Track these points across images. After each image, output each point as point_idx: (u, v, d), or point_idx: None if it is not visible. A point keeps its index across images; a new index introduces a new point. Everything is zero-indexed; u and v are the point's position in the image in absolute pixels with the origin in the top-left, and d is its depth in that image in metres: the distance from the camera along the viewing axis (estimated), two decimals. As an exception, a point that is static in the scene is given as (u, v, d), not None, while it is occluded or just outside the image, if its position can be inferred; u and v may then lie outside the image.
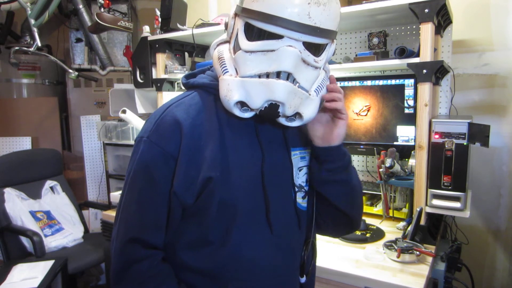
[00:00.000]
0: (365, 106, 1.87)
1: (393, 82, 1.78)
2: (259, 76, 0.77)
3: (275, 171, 0.87)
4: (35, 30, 2.67)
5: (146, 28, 2.35)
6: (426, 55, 1.43)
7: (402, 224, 1.60)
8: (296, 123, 0.82)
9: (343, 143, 0.90)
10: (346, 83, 1.91)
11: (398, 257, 1.29)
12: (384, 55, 1.74)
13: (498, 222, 1.98)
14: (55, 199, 2.56)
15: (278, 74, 0.75)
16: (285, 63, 0.74)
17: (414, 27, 1.84)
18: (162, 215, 0.81)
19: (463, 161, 1.39)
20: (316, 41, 0.76)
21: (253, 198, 0.84)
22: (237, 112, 0.79)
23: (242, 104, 0.79)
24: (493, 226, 2.00)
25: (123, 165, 2.75)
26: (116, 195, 1.99)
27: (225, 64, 0.81)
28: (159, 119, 0.81)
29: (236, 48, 0.80)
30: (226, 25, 0.84)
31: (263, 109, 0.78)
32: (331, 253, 1.41)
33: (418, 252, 1.31)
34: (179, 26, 2.17)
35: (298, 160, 0.93)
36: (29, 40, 3.31)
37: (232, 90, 0.77)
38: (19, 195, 2.35)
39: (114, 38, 3.51)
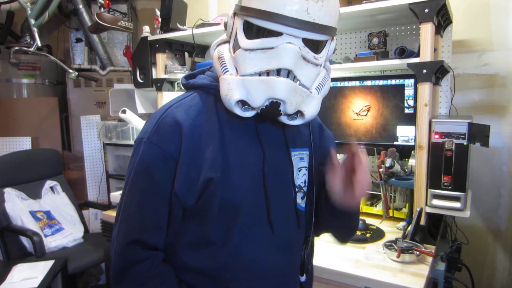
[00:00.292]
0: (365, 106, 1.87)
1: (393, 82, 1.78)
2: (259, 74, 0.77)
3: (276, 171, 0.87)
4: (35, 30, 2.67)
5: (146, 28, 2.35)
6: (426, 55, 1.43)
7: (402, 224, 1.60)
8: (297, 122, 0.82)
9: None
10: (346, 83, 1.91)
11: (398, 257, 1.29)
12: (384, 55, 1.74)
13: (498, 222, 1.98)
14: (55, 199, 2.56)
15: (278, 72, 0.75)
16: (285, 60, 0.74)
17: (414, 27, 1.84)
18: (163, 216, 0.81)
19: (463, 161, 1.39)
20: (315, 37, 0.76)
21: (254, 198, 0.84)
22: (238, 111, 0.79)
23: (243, 103, 0.78)
24: (493, 226, 2.00)
25: (123, 165, 2.75)
26: (116, 195, 1.99)
27: (225, 63, 0.81)
28: (159, 120, 0.80)
29: (236, 47, 0.80)
30: (226, 24, 0.85)
31: (264, 107, 0.78)
32: (331, 253, 1.40)
33: (418, 252, 1.31)
34: (179, 26, 2.17)
35: (298, 160, 0.93)
36: (29, 40, 3.31)
37: (233, 89, 0.77)
38: (19, 195, 2.35)
39: (114, 38, 3.51)
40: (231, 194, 0.81)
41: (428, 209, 1.47)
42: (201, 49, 2.47)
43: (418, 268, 1.27)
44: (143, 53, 2.30)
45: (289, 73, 0.76)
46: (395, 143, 1.79)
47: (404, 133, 1.78)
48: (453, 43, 1.79)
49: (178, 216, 0.82)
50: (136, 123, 2.19)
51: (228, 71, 0.79)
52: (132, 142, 2.49)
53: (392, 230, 1.61)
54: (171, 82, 2.30)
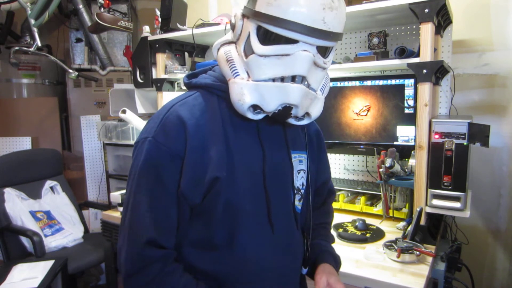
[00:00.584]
0: (365, 106, 1.87)
1: (393, 82, 1.78)
2: (273, 80, 0.78)
3: (276, 172, 0.88)
4: (35, 30, 2.67)
5: (146, 28, 2.35)
6: (426, 55, 1.43)
7: (402, 224, 1.60)
8: (304, 122, 0.86)
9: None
10: (346, 83, 1.91)
11: (398, 257, 1.29)
12: (384, 55, 1.74)
13: (498, 222, 1.98)
14: (55, 199, 2.56)
15: (293, 78, 0.77)
16: (300, 68, 0.76)
17: (414, 27, 1.84)
18: (173, 216, 0.81)
19: (463, 161, 1.39)
20: (328, 45, 0.79)
21: (255, 198, 0.84)
22: (249, 115, 0.80)
23: (255, 107, 0.80)
24: (493, 226, 2.00)
25: (123, 165, 2.75)
26: (116, 195, 1.99)
27: (235, 67, 0.81)
28: (163, 119, 0.80)
29: (248, 51, 0.80)
30: (233, 26, 0.83)
31: (276, 111, 0.79)
32: (331, 253, 1.40)
33: (418, 252, 1.31)
34: (179, 26, 2.17)
35: (298, 163, 0.94)
36: (29, 40, 3.31)
37: (246, 94, 0.78)
38: (19, 195, 2.35)
39: (114, 38, 3.51)
40: (234, 194, 0.81)
41: (428, 209, 1.47)
42: (201, 49, 2.47)
43: (418, 268, 1.27)
44: (143, 53, 2.30)
45: (302, 79, 0.78)
46: (395, 143, 1.80)
47: (404, 133, 1.78)
48: (453, 43, 1.79)
49: (186, 216, 0.82)
50: (136, 123, 2.19)
51: (239, 75, 0.80)
52: (132, 142, 2.49)
53: (392, 230, 1.61)
54: (171, 82, 2.30)
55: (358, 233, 1.57)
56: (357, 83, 1.88)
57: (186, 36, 2.15)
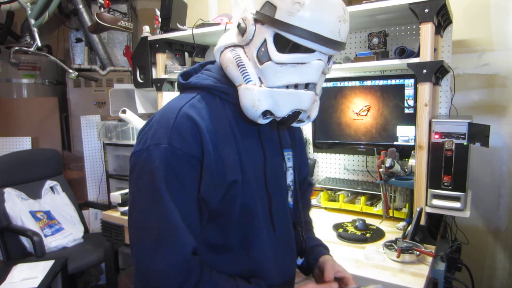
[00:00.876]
0: (365, 106, 1.87)
1: (393, 82, 1.78)
2: (287, 87, 0.80)
3: (274, 172, 0.90)
4: (35, 30, 2.67)
5: (146, 28, 2.35)
6: (426, 55, 1.43)
7: (402, 224, 1.60)
8: (304, 123, 0.90)
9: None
10: (346, 83, 1.91)
11: (398, 257, 1.29)
12: (384, 55, 1.74)
13: (498, 222, 1.98)
14: (55, 199, 2.56)
15: (306, 85, 0.81)
16: (315, 76, 0.81)
17: (414, 27, 1.84)
18: (198, 220, 0.79)
19: (463, 161, 1.39)
20: (337, 53, 0.83)
21: (260, 199, 0.86)
22: (260, 120, 0.82)
23: (266, 113, 0.82)
24: (493, 226, 2.00)
25: (123, 165, 2.75)
26: (116, 195, 1.99)
27: (247, 72, 0.81)
28: (175, 123, 0.76)
29: (263, 57, 0.80)
30: (243, 30, 0.82)
31: (286, 116, 0.82)
32: (331, 253, 1.40)
33: (418, 252, 1.31)
34: (179, 26, 2.17)
35: (287, 160, 0.98)
36: (29, 40, 3.31)
37: (261, 100, 0.79)
38: (19, 195, 2.35)
39: (114, 38, 3.50)
40: (249, 197, 0.83)
41: (428, 209, 1.47)
42: (201, 49, 2.47)
43: (418, 268, 1.27)
44: (143, 53, 2.30)
45: (313, 86, 0.83)
46: (395, 143, 1.79)
47: (404, 133, 1.78)
48: (453, 43, 1.79)
49: (204, 220, 0.81)
50: (136, 123, 2.19)
51: (251, 80, 0.81)
52: (132, 142, 2.49)
53: (392, 230, 1.61)
54: (171, 82, 2.30)
55: (358, 233, 1.57)
56: (357, 83, 1.88)
57: (186, 36, 2.15)
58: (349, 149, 1.98)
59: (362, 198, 1.85)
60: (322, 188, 2.04)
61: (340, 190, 1.97)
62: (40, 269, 1.89)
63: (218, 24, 2.08)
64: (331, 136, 2.00)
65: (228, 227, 0.82)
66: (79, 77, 2.87)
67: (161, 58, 2.25)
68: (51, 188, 2.59)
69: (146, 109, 2.47)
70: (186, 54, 2.42)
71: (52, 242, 2.32)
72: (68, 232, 2.44)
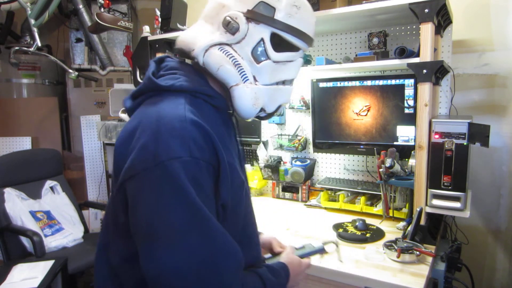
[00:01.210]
0: (365, 106, 1.87)
1: (393, 82, 1.78)
2: (278, 83, 0.87)
3: (243, 165, 0.94)
4: (35, 30, 2.67)
5: (146, 28, 2.35)
6: (426, 55, 1.43)
7: (402, 224, 1.60)
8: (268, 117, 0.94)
9: None
10: (346, 83, 1.91)
11: (398, 257, 1.29)
12: (384, 55, 1.74)
13: (498, 222, 1.98)
14: (55, 199, 2.56)
15: (291, 81, 0.90)
16: (298, 72, 0.89)
17: (414, 27, 1.84)
18: None
19: (463, 161, 1.39)
20: None
21: (250, 192, 0.91)
22: (253, 117, 0.87)
23: (260, 109, 0.86)
24: (493, 226, 2.00)
25: (123, 165, 2.74)
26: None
27: (244, 71, 0.81)
28: (189, 133, 0.70)
29: (260, 56, 0.82)
30: (235, 28, 0.80)
31: (272, 111, 0.89)
32: (331, 253, 1.40)
33: (418, 252, 1.31)
34: (179, 26, 2.17)
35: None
36: (29, 40, 3.31)
37: (259, 98, 0.84)
38: (19, 195, 2.35)
39: (114, 38, 3.51)
40: (247, 193, 0.86)
41: (428, 209, 1.47)
42: (201, 49, 2.46)
43: (418, 268, 1.27)
44: (143, 53, 2.30)
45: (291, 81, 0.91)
46: (395, 143, 1.79)
47: (404, 133, 1.78)
48: (453, 43, 1.79)
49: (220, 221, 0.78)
50: (136, 123, 2.19)
51: (248, 79, 0.82)
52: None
53: (392, 230, 1.61)
54: (171, 82, 2.30)
55: (358, 233, 1.57)
56: (357, 83, 1.88)
57: (186, 36, 2.15)
58: (349, 149, 1.98)
59: (362, 198, 1.85)
60: (322, 188, 2.04)
61: (340, 190, 1.97)
62: (40, 269, 1.89)
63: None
64: (331, 136, 2.00)
65: (237, 224, 0.82)
66: (79, 77, 2.87)
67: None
68: (51, 188, 2.59)
69: (146, 109, 2.47)
70: (186, 54, 2.41)
71: (52, 242, 2.32)
72: (68, 232, 2.44)
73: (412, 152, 1.56)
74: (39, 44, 2.68)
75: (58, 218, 2.48)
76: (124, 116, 2.18)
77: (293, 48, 0.85)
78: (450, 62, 1.76)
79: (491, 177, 1.97)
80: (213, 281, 0.67)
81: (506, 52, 1.90)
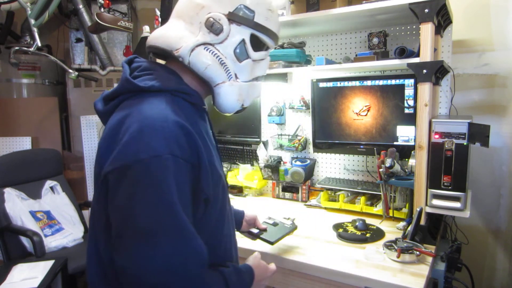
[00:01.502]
0: (365, 106, 1.87)
1: (393, 82, 1.78)
2: (253, 80, 0.95)
3: (220, 158, 0.98)
4: (35, 30, 2.67)
5: (146, 28, 2.35)
6: (426, 55, 1.43)
7: (402, 224, 1.60)
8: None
9: None
10: (346, 83, 1.91)
11: (398, 257, 1.29)
12: (384, 55, 1.74)
13: (498, 222, 1.98)
14: (55, 199, 2.56)
15: (262, 77, 0.99)
16: (267, 68, 0.99)
17: (414, 27, 1.84)
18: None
19: (463, 161, 1.39)
20: None
21: (226, 186, 0.95)
22: (234, 111, 0.94)
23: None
24: (493, 226, 2.00)
25: (123, 165, 2.74)
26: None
27: (229, 70, 0.88)
28: (168, 131, 0.73)
29: (241, 56, 0.89)
30: (218, 29, 0.85)
31: (247, 105, 0.97)
32: (331, 253, 1.41)
33: (418, 252, 1.31)
34: (179, 26, 2.17)
35: None
36: (29, 40, 3.31)
37: (242, 94, 0.92)
38: (19, 195, 2.35)
39: (114, 38, 3.50)
40: (224, 185, 0.90)
41: (428, 209, 1.47)
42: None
43: (418, 268, 1.27)
44: (143, 53, 2.29)
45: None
46: (395, 143, 1.80)
47: (404, 133, 1.78)
48: (453, 43, 1.79)
49: (200, 215, 0.82)
50: (136, 123, 2.19)
51: (232, 77, 0.89)
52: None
53: (392, 230, 1.61)
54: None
55: (358, 233, 1.57)
56: (357, 83, 1.88)
57: (186, 36, 2.15)
58: (349, 149, 1.98)
59: (362, 198, 1.85)
60: (322, 188, 2.04)
61: (340, 190, 1.97)
62: (40, 269, 1.89)
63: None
64: (331, 136, 2.00)
65: (214, 216, 0.86)
66: (79, 77, 2.87)
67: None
68: (51, 188, 2.59)
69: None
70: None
71: (52, 242, 2.32)
72: (68, 232, 2.44)
73: (412, 152, 1.56)
74: (39, 44, 2.68)
75: (58, 218, 2.48)
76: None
77: (265, 47, 0.94)
78: (450, 62, 1.76)
79: (491, 177, 1.97)
80: (178, 278, 0.69)
81: (506, 52, 1.90)
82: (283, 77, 1.93)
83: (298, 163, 2.10)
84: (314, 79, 2.00)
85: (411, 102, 1.73)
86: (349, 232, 1.59)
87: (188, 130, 0.76)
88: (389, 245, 1.36)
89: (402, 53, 1.52)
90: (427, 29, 1.42)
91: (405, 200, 1.70)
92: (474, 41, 1.95)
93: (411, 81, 1.73)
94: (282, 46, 1.92)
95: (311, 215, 1.87)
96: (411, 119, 1.71)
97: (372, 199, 1.91)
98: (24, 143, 3.10)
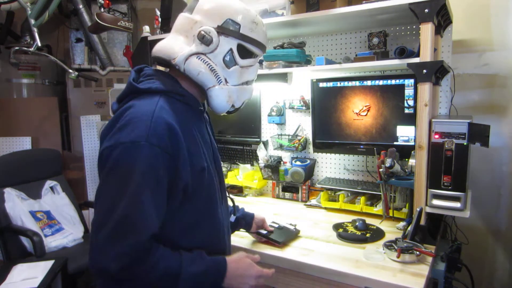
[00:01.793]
0: (365, 106, 1.87)
1: (393, 82, 1.78)
2: (242, 84, 1.08)
3: (215, 155, 1.12)
4: (35, 30, 2.67)
5: (146, 28, 2.35)
6: (426, 55, 1.43)
7: (402, 224, 1.60)
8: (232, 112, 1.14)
9: None
10: (346, 83, 1.91)
11: (398, 257, 1.29)
12: (384, 55, 1.74)
13: (498, 222, 1.98)
14: (55, 199, 2.56)
15: (252, 81, 1.12)
16: (256, 74, 1.13)
17: (414, 27, 1.84)
18: (164, 209, 0.91)
19: (463, 161, 1.39)
20: None
21: (215, 178, 1.07)
22: (225, 112, 1.07)
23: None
24: (493, 226, 2.00)
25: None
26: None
27: (219, 75, 1.02)
28: (152, 124, 0.88)
29: (229, 63, 1.03)
30: (209, 40, 0.98)
31: (238, 107, 1.10)
32: (331, 253, 1.41)
33: (418, 252, 1.31)
34: (179, 26, 2.17)
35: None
36: (29, 40, 3.31)
37: (232, 96, 1.05)
38: (19, 195, 2.35)
39: (114, 38, 3.51)
40: (210, 178, 1.02)
41: (428, 209, 1.47)
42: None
43: (418, 268, 1.27)
44: (143, 53, 2.30)
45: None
46: (395, 143, 1.80)
47: (404, 133, 1.78)
48: (453, 43, 1.79)
49: (176, 203, 0.94)
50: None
51: (222, 81, 1.02)
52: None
53: (392, 230, 1.61)
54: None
55: (358, 233, 1.57)
56: (357, 83, 1.88)
57: (186, 36, 2.15)
58: (349, 149, 1.98)
59: (362, 198, 1.86)
60: (322, 188, 2.04)
61: (340, 190, 1.97)
62: (40, 269, 1.89)
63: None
64: (331, 136, 2.00)
65: (199, 204, 0.98)
66: (79, 77, 2.87)
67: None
68: (51, 188, 2.59)
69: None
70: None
71: (52, 242, 2.32)
72: (68, 232, 2.44)
73: (412, 152, 1.56)
74: (39, 44, 2.68)
75: (58, 218, 2.48)
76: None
77: (252, 55, 1.07)
78: (450, 62, 1.76)
79: (491, 177, 1.97)
80: (125, 244, 0.82)
81: (506, 52, 1.90)
82: (283, 77, 1.93)
83: (298, 163, 2.10)
84: (314, 79, 2.00)
85: (411, 102, 1.73)
86: (349, 232, 1.59)
87: (170, 125, 0.89)
88: (389, 245, 1.36)
89: (402, 53, 1.52)
90: (427, 29, 1.42)
91: (405, 200, 1.70)
92: (474, 41, 1.96)
93: (411, 81, 1.73)
94: (282, 46, 1.92)
95: (311, 215, 1.87)
96: (411, 119, 1.71)
97: (372, 199, 1.91)
98: (24, 143, 3.10)
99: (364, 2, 1.56)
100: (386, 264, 1.30)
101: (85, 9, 3.20)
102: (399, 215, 1.71)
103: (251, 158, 2.36)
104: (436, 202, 1.45)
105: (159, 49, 1.03)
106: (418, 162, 1.46)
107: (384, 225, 1.67)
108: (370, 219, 1.74)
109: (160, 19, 2.23)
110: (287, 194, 2.17)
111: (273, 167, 2.16)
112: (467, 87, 1.98)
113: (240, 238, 1.54)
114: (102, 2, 2.29)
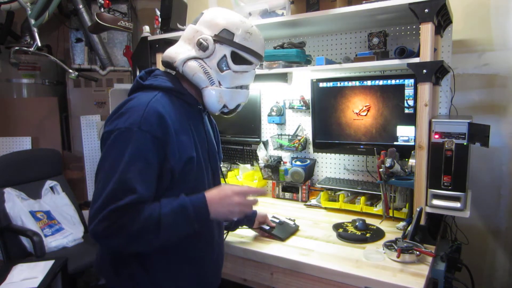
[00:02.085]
0: (365, 106, 1.87)
1: (393, 82, 1.79)
2: (236, 87, 1.18)
3: (212, 152, 1.21)
4: (35, 30, 2.67)
5: (146, 28, 2.35)
6: (426, 55, 1.43)
7: (402, 224, 1.60)
8: (231, 113, 1.25)
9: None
10: (346, 83, 1.91)
11: (398, 257, 1.29)
12: (384, 55, 1.74)
13: (498, 222, 1.98)
14: (55, 199, 2.56)
15: (247, 86, 1.23)
16: (252, 80, 1.23)
17: (414, 27, 1.84)
18: (155, 185, 1.01)
19: (463, 161, 1.39)
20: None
21: (206, 170, 1.16)
22: (218, 111, 1.17)
23: (223, 106, 1.16)
24: (493, 226, 2.00)
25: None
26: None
27: (212, 78, 1.12)
28: (145, 113, 0.99)
29: (223, 67, 1.14)
30: (205, 47, 1.11)
31: (232, 108, 1.20)
32: (331, 253, 1.41)
33: (418, 252, 1.31)
34: (179, 26, 2.17)
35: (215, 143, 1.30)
36: (29, 40, 3.31)
37: (223, 97, 1.15)
38: (19, 195, 2.35)
39: (114, 38, 3.51)
40: (199, 168, 1.10)
41: (428, 209, 1.47)
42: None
43: (418, 268, 1.27)
44: (143, 53, 2.30)
45: (248, 86, 1.24)
46: (395, 143, 1.80)
47: (404, 133, 1.78)
48: (453, 43, 1.79)
49: (164, 186, 1.03)
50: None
51: (215, 83, 1.13)
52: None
53: (392, 230, 1.61)
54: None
55: (358, 233, 1.57)
56: (357, 83, 1.88)
57: (186, 36, 2.15)
58: (349, 149, 1.98)
59: (362, 198, 1.86)
60: (322, 188, 2.04)
61: (340, 190, 1.97)
62: (40, 269, 1.89)
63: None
64: (331, 136, 2.00)
65: (185, 191, 1.03)
66: (79, 77, 2.87)
67: (161, 58, 2.25)
68: (51, 188, 2.59)
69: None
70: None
71: (52, 242, 2.32)
72: (68, 232, 2.44)
73: (412, 152, 1.56)
74: (39, 44, 2.68)
75: (58, 218, 2.48)
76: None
77: (247, 62, 1.17)
78: (450, 62, 1.76)
79: (491, 177, 1.97)
80: (114, 209, 0.91)
81: (506, 52, 1.90)
82: (283, 77, 1.93)
83: (298, 163, 2.10)
84: (314, 79, 2.00)
85: (411, 102, 1.73)
86: (349, 232, 1.59)
87: (160, 114, 1.00)
88: (389, 245, 1.36)
89: (402, 53, 1.52)
90: (427, 29, 1.42)
91: (405, 200, 1.70)
92: (474, 41, 1.96)
93: (411, 81, 1.73)
94: (282, 46, 1.92)
95: (311, 215, 1.87)
96: (411, 119, 1.71)
97: (372, 199, 1.91)
98: (24, 143, 3.10)
99: (364, 2, 1.56)
100: (386, 264, 1.30)
101: (85, 9, 3.20)
102: (399, 215, 1.71)
103: (251, 158, 2.36)
104: (436, 202, 1.45)
105: (166, 53, 1.17)
106: (418, 162, 1.46)
107: (384, 225, 1.67)
108: (370, 219, 1.74)
109: (160, 19, 2.23)
110: (287, 194, 2.17)
111: (273, 167, 2.16)
112: (467, 87, 1.98)
113: (240, 238, 1.54)
114: (102, 2, 2.29)
